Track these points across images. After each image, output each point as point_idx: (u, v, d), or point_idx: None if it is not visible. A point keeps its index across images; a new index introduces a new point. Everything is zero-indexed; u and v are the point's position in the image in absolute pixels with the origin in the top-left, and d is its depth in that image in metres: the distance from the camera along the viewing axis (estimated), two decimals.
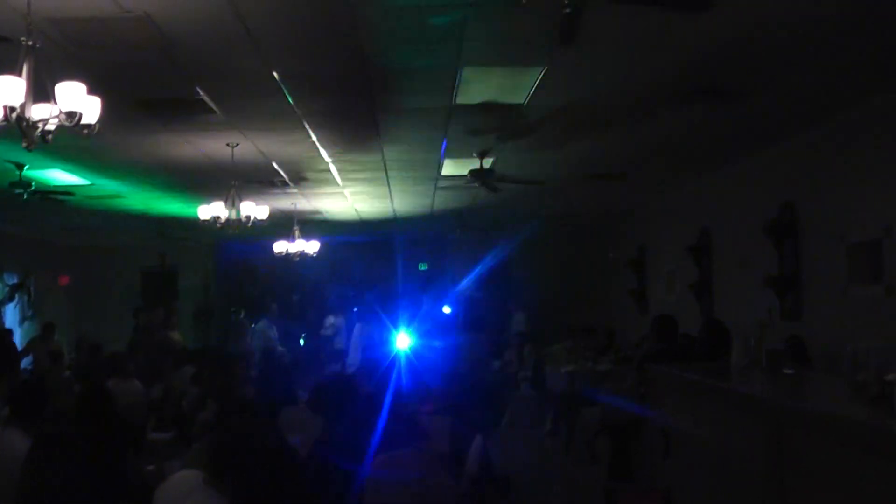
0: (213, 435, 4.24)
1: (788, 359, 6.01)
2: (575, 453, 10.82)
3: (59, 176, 11.22)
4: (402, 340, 12.07)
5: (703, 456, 5.05)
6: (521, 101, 8.22)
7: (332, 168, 11.47)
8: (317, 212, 15.74)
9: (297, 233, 15.62)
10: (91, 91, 5.17)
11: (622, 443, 8.71)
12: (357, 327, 15.82)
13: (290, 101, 8.02)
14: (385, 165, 11.42)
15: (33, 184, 10.81)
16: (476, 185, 11.12)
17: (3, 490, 4.92)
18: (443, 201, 14.87)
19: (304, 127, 9.05)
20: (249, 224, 10.55)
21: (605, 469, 9.05)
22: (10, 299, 16.93)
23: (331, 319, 17.97)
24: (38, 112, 5.04)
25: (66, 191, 11.62)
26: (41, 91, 5.02)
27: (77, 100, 5.05)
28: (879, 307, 8.16)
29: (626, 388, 7.93)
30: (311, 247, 16.13)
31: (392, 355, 11.49)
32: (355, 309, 18.41)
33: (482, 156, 10.55)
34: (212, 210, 10.32)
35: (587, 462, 9.94)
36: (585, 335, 15.22)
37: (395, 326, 14.32)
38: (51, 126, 5.08)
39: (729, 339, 7.13)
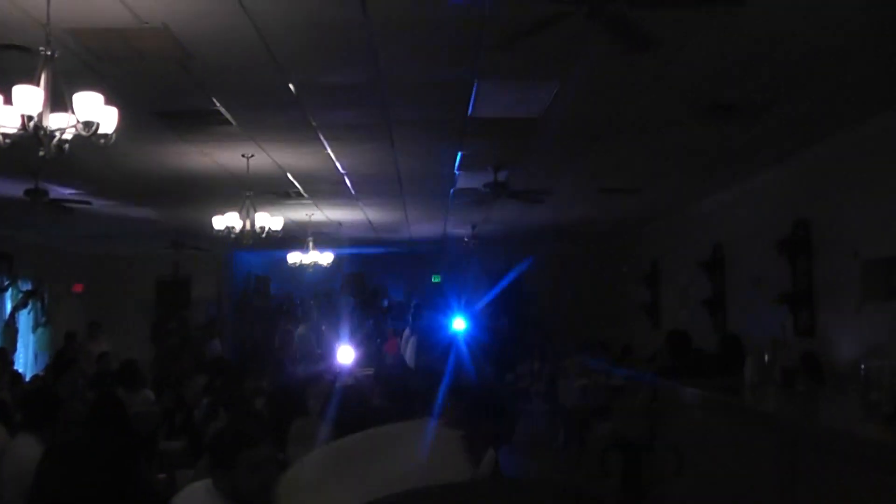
0: (211, 442, 4.27)
1: (803, 376, 6.00)
2: (587, 468, 10.79)
3: (75, 184, 11.26)
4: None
5: (715, 473, 5.03)
6: (536, 115, 8.23)
7: (347, 180, 11.49)
8: (331, 223, 15.77)
9: (310, 244, 15.68)
10: (108, 101, 5.19)
11: (634, 458, 8.67)
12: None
13: (306, 112, 8.05)
14: (400, 178, 11.43)
15: (49, 192, 10.85)
16: (490, 195, 11.11)
17: (14, 496, 4.94)
18: (457, 214, 14.87)
19: (319, 139, 9.07)
20: (264, 235, 10.57)
21: (617, 484, 9.01)
22: (24, 305, 17.00)
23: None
24: (55, 121, 5.07)
25: (83, 200, 11.67)
26: (59, 101, 5.05)
27: (94, 110, 5.07)
28: (893, 325, 8.12)
29: (639, 404, 7.89)
30: (325, 258, 16.18)
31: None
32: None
33: (497, 169, 10.55)
34: (226, 220, 10.34)
35: (599, 477, 9.90)
36: (598, 350, 15.20)
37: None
38: (67, 136, 5.10)
39: (744, 354, 7.10)
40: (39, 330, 17.80)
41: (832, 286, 9.38)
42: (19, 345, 16.62)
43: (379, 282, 21.38)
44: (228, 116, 8.11)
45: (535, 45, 6.13)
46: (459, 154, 9.95)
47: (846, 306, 8.97)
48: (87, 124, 5.04)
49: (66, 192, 11.44)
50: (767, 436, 4.04)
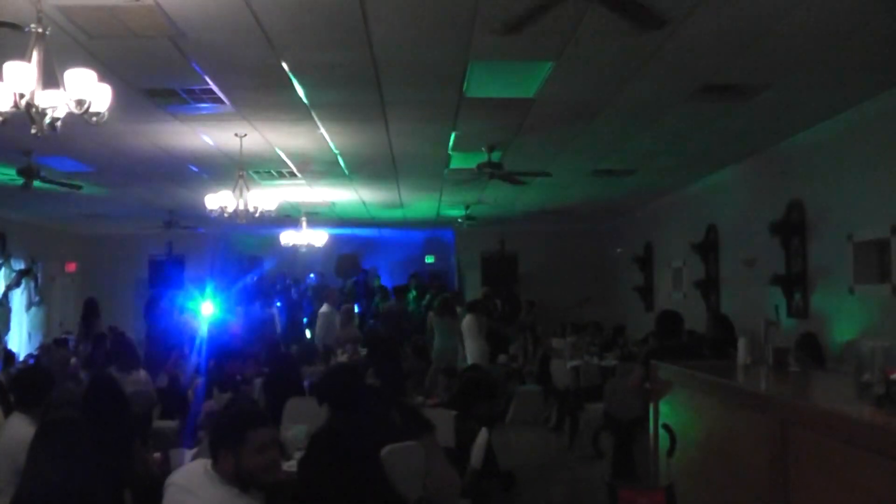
0: (211, 423, 4.26)
1: (804, 356, 6.01)
2: (579, 449, 10.83)
3: (68, 163, 11.23)
4: None
5: (707, 453, 5.05)
6: (531, 96, 8.21)
7: (340, 160, 11.47)
8: (324, 203, 15.74)
9: (304, 223, 15.66)
10: (100, 79, 5.16)
11: (626, 439, 8.70)
12: None
13: (299, 92, 8.02)
14: (393, 158, 11.41)
15: (41, 171, 10.81)
16: (486, 177, 11.09)
17: (7, 475, 4.94)
18: (450, 194, 14.86)
19: (312, 118, 9.05)
20: (257, 214, 10.55)
21: (609, 465, 9.05)
22: (17, 285, 16.99)
23: (324, 308, 17.91)
24: (47, 99, 5.03)
25: (75, 184, 11.66)
26: (51, 78, 5.02)
27: (86, 87, 5.03)
28: (886, 306, 8.14)
29: (631, 385, 7.90)
30: (319, 238, 16.14)
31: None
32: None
33: (491, 149, 10.53)
34: (219, 200, 10.31)
35: (591, 458, 9.94)
36: (590, 331, 15.21)
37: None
38: (59, 113, 5.07)
39: (735, 334, 7.09)
40: (33, 309, 17.80)
41: (826, 268, 9.40)
42: (12, 324, 16.62)
43: (372, 263, 21.34)
44: (221, 95, 8.09)
45: (529, 26, 6.10)
46: (453, 134, 9.93)
47: (839, 288, 8.99)
48: (80, 102, 5.01)
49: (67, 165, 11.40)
50: (759, 416, 4.05)
